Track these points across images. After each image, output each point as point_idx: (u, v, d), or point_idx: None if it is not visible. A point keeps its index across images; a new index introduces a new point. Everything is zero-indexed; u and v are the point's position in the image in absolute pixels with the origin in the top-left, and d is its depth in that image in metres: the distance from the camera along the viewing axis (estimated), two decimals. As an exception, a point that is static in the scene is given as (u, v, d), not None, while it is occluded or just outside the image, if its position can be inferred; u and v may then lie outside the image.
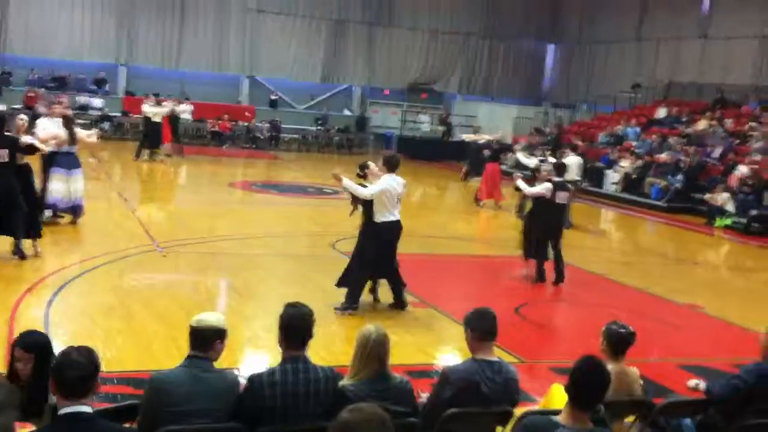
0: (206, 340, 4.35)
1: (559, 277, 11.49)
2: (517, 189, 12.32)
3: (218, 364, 4.44)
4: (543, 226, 11.50)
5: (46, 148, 11.31)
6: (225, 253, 12.13)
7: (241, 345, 7.67)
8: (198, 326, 4.36)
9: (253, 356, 7.44)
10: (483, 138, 20.97)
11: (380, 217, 9.31)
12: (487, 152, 19.91)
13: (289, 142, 31.64)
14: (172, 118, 23.37)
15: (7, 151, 9.91)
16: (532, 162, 16.18)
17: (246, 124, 30.93)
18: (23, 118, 11.26)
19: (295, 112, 33.53)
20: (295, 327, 4.50)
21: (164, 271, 10.74)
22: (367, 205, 9.39)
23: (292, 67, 33.19)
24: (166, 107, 23.16)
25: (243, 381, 4.47)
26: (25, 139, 10.52)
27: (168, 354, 6.98)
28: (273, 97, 33.17)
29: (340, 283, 9.50)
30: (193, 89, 30.45)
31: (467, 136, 22.62)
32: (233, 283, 10.43)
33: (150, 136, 22.65)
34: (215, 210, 16.66)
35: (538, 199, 11.57)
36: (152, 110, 22.58)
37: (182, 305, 8.73)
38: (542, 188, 11.40)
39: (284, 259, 12.26)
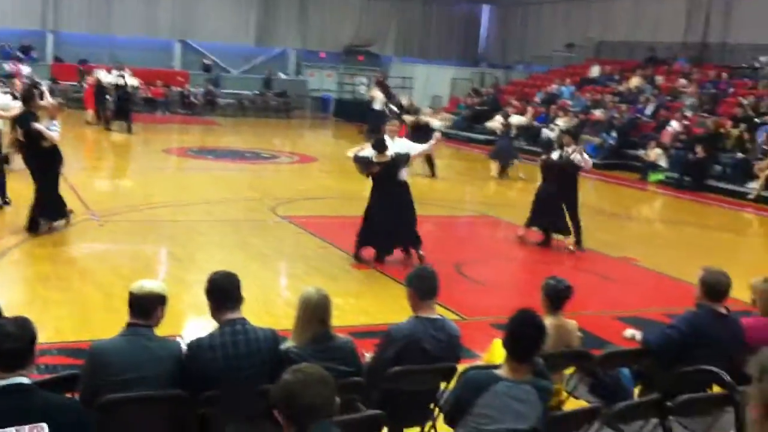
0: (146, 307, 4.29)
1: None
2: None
3: (160, 332, 4.39)
4: None
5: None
6: (162, 220, 11.98)
7: (183, 312, 7.60)
8: (137, 293, 4.30)
9: (195, 323, 7.39)
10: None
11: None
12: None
13: (226, 107, 31.20)
14: (99, 87, 23.06)
15: None
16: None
17: (180, 89, 30.37)
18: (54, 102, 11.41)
19: (231, 76, 33.05)
20: (223, 289, 4.46)
21: (101, 241, 10.55)
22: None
23: (224, 31, 32.64)
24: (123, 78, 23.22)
25: (185, 348, 4.44)
26: None
27: (108, 323, 6.86)
28: (207, 62, 32.60)
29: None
30: (123, 55, 29.69)
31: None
32: (172, 250, 10.31)
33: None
34: (151, 177, 16.38)
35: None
36: (109, 79, 22.66)
37: (121, 274, 8.60)
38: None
39: (223, 224, 12.15)
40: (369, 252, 10.19)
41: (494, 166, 19.05)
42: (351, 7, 34.52)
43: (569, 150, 11.53)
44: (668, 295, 9.81)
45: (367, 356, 5.09)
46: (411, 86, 32.60)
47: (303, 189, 15.88)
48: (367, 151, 10.07)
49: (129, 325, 4.30)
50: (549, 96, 26.70)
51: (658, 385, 4.96)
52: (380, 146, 9.85)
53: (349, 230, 10.42)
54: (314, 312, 4.53)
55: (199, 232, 11.33)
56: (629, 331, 5.92)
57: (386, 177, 9.91)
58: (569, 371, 5.33)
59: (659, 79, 24.99)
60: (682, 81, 23.97)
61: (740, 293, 5.82)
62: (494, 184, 18.44)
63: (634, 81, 25.27)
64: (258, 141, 23.84)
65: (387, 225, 9.90)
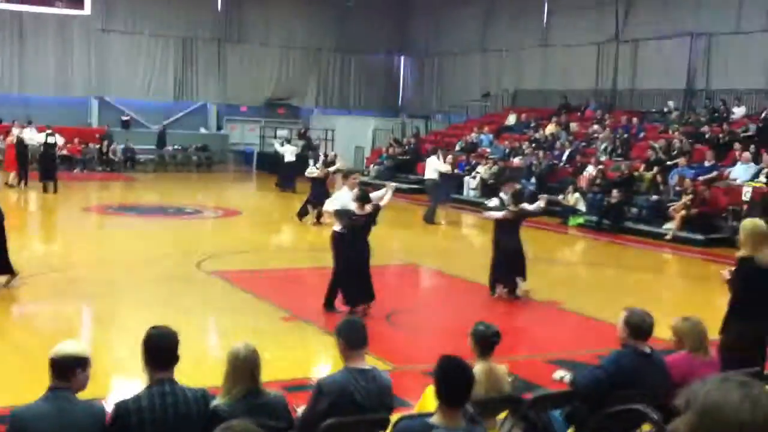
0: (67, 370, 4.15)
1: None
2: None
3: (83, 395, 4.25)
4: None
5: None
6: (83, 279, 11.66)
7: (107, 373, 7.38)
8: (57, 356, 4.16)
9: (120, 384, 7.18)
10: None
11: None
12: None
13: (146, 163, 30.78)
14: (20, 147, 22.51)
15: None
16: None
17: (98, 146, 29.86)
18: None
19: (150, 132, 32.71)
20: (159, 348, 4.36)
21: (20, 302, 10.21)
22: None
23: (142, 87, 32.41)
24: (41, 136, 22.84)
25: (110, 410, 4.30)
26: None
27: (28, 388, 6.60)
28: (125, 118, 32.20)
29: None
30: (38, 113, 29.11)
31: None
32: (94, 309, 10.05)
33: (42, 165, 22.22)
34: (71, 236, 15.99)
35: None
36: (35, 138, 22.23)
37: (41, 336, 8.33)
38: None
39: (147, 282, 11.89)
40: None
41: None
42: (270, 60, 34.68)
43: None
44: (594, 336, 9.97)
45: (299, 410, 5.02)
46: (333, 138, 32.84)
47: (228, 243, 15.72)
48: (342, 202, 10.23)
49: (51, 388, 4.15)
50: (469, 144, 27.18)
51: (589, 426, 5.02)
52: (363, 199, 9.99)
53: (276, 283, 10.34)
54: (243, 367, 4.45)
55: (122, 290, 11.08)
56: (558, 373, 5.98)
57: (364, 229, 10.07)
58: (502, 416, 5.35)
59: (573, 126, 25.72)
60: (596, 127, 24.72)
61: (662, 332, 5.96)
62: (420, 233, 18.57)
63: (550, 128, 25.95)
64: (181, 196, 23.56)
65: (362, 274, 10.01)
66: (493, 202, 11.83)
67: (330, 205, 10.48)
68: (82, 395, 4.24)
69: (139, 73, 32.30)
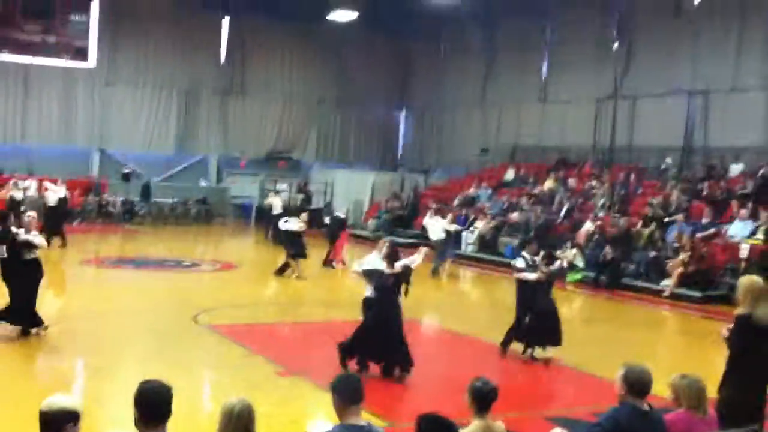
0: (58, 425, 4.08)
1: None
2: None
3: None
4: None
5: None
6: (80, 332, 11.60)
7: (100, 429, 7.29)
8: (48, 410, 4.10)
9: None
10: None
11: None
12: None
13: (145, 216, 30.83)
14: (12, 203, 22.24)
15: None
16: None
17: (97, 198, 29.94)
18: (33, 215, 11.53)
19: (152, 183, 32.82)
20: (151, 403, 4.31)
21: (16, 356, 10.14)
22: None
23: (144, 139, 32.63)
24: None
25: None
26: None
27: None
28: (126, 170, 32.32)
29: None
30: (40, 164, 29.30)
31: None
32: (90, 363, 9.98)
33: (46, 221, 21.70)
34: (68, 289, 15.95)
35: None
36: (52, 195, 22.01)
37: (37, 390, 8.24)
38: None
39: (144, 334, 11.84)
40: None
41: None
42: (271, 114, 34.96)
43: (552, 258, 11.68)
44: (592, 393, 9.89)
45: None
46: (332, 191, 32.97)
47: (225, 297, 15.66)
48: (372, 263, 10.24)
49: (40, 444, 4.09)
50: (467, 199, 27.27)
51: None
52: (393, 258, 10.02)
53: (272, 337, 10.28)
54: (237, 423, 4.40)
55: (119, 344, 11.02)
56: (556, 430, 5.93)
57: (394, 289, 10.05)
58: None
59: (571, 181, 25.84)
60: (594, 182, 24.84)
61: (660, 390, 5.91)
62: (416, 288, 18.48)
63: (548, 183, 26.07)
64: (179, 249, 23.56)
65: (389, 336, 9.86)
66: (520, 262, 11.69)
67: (358, 266, 10.43)
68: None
69: (141, 125, 32.53)
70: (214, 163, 34.81)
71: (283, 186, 34.03)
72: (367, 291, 10.19)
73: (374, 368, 9.76)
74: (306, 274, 18.23)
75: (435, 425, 3.97)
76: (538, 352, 11.39)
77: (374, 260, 10.32)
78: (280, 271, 18.35)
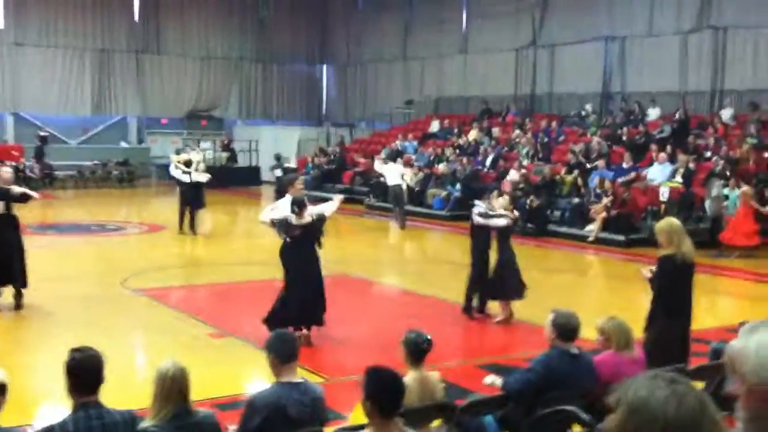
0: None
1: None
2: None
3: (9, 424, 4.10)
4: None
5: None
6: (3, 302, 11.28)
7: (32, 399, 7.16)
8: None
9: (45, 410, 6.96)
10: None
11: None
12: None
13: (65, 180, 29.99)
14: None
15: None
16: None
17: (14, 164, 28.94)
18: (8, 171, 11.14)
19: (69, 147, 31.92)
20: (84, 371, 4.24)
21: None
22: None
23: (58, 101, 31.58)
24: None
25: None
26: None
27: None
28: (42, 134, 31.33)
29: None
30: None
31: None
32: (15, 334, 9.73)
33: None
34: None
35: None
36: None
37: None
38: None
39: (71, 301, 11.55)
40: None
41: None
42: (190, 71, 34.19)
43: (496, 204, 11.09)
44: (523, 339, 10.11)
45: (231, 428, 4.95)
46: (257, 148, 32.62)
47: (152, 259, 15.43)
48: (280, 212, 9.50)
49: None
50: (394, 152, 27.28)
51: (522, 429, 5.08)
52: (300, 206, 9.24)
53: (203, 299, 10.18)
54: (172, 386, 4.36)
55: (45, 312, 10.76)
56: (489, 378, 6.05)
57: (306, 241, 9.41)
58: (436, 423, 5.37)
59: (495, 131, 26.08)
60: (517, 131, 25.12)
61: (588, 333, 6.07)
62: (346, 242, 18.55)
63: (473, 134, 26.26)
64: (102, 212, 23.06)
65: (305, 295, 9.29)
66: (480, 208, 10.95)
67: (267, 214, 9.69)
68: (6, 423, 4.10)
69: (54, 86, 31.48)
70: (134, 124, 34.02)
71: (206, 144, 33.49)
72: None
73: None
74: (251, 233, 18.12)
75: (382, 377, 4.00)
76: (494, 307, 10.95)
77: (285, 206, 9.56)
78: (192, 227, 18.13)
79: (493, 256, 11.11)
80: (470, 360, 8.94)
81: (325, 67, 37.47)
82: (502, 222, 10.81)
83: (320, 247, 9.60)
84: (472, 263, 11.09)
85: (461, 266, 11.99)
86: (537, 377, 5.41)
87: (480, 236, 11.10)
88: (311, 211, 9.47)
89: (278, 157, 22.30)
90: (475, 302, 11.07)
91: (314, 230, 9.45)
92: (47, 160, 29.71)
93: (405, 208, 20.62)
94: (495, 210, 10.89)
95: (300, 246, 9.34)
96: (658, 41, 23.68)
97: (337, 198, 10.60)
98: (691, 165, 18.87)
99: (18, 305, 10.74)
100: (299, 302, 9.27)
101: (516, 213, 11.25)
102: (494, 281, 10.87)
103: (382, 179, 21.80)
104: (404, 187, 20.66)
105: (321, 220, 9.55)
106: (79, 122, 32.33)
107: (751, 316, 8.72)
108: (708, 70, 22.84)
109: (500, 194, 11.54)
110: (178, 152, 20.58)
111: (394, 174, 20.77)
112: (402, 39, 32.51)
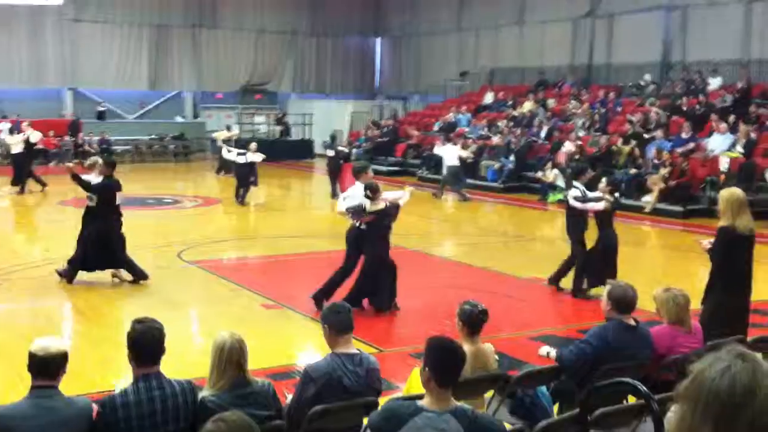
0: (48, 367, 4.09)
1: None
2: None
3: (71, 392, 4.20)
4: None
5: None
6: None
7: (93, 369, 7.32)
8: (37, 353, 4.10)
9: (106, 379, 7.13)
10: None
11: None
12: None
13: (122, 154, 30.47)
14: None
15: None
16: None
17: (73, 138, 29.54)
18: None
19: (126, 122, 32.44)
20: (145, 343, 4.30)
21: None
22: None
23: (116, 76, 32.05)
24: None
25: (96, 407, 4.25)
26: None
27: (13, 388, 6.56)
28: (100, 109, 31.89)
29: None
30: (10, 106, 28.81)
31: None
32: (76, 304, 9.96)
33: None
34: (48, 231, 15.84)
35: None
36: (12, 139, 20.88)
37: (22, 335, 8.23)
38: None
39: (128, 274, 11.78)
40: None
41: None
42: (244, 46, 34.38)
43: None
44: (579, 311, 10.01)
45: (288, 398, 5.01)
46: (311, 122, 32.73)
47: (208, 232, 15.64)
48: (355, 199, 9.52)
49: (33, 387, 4.10)
50: (447, 125, 27.14)
51: (576, 401, 5.03)
52: (373, 190, 9.30)
53: (258, 271, 10.28)
54: (229, 357, 4.42)
55: (104, 284, 10.99)
56: (544, 349, 6.02)
57: (380, 227, 9.44)
58: (489, 394, 5.36)
59: (550, 102, 25.74)
60: (573, 102, 24.75)
61: (646, 304, 5.99)
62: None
63: (527, 105, 25.96)
64: (159, 186, 23.41)
65: (382, 277, 9.47)
66: (575, 192, 10.42)
67: (342, 204, 9.74)
68: (70, 393, 4.19)
69: (112, 62, 31.93)
70: (190, 99, 34.38)
71: (260, 118, 33.74)
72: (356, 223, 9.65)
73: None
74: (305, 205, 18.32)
75: (444, 347, 3.99)
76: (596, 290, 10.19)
77: (359, 193, 9.56)
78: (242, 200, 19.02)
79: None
80: (524, 332, 8.88)
81: (378, 39, 37.30)
82: (600, 205, 10.20)
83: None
84: (571, 254, 10.63)
85: (512, 238, 11.90)
86: (592, 349, 5.35)
87: (576, 222, 10.59)
88: (386, 197, 9.52)
89: (333, 137, 22.42)
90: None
91: (388, 216, 9.51)
92: (107, 135, 30.16)
93: (464, 182, 21.11)
94: (604, 190, 10.33)
95: (374, 232, 9.42)
96: (721, 9, 23.02)
97: (408, 190, 10.42)
98: (753, 135, 18.40)
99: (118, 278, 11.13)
100: (372, 286, 9.43)
101: (616, 195, 10.63)
102: (599, 267, 10.15)
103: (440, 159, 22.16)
104: (460, 165, 21.07)
105: (396, 207, 9.63)
106: (136, 97, 32.77)
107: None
108: (772, 39, 22.16)
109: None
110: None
111: (452, 155, 20.99)
112: (457, 10, 32.17)
